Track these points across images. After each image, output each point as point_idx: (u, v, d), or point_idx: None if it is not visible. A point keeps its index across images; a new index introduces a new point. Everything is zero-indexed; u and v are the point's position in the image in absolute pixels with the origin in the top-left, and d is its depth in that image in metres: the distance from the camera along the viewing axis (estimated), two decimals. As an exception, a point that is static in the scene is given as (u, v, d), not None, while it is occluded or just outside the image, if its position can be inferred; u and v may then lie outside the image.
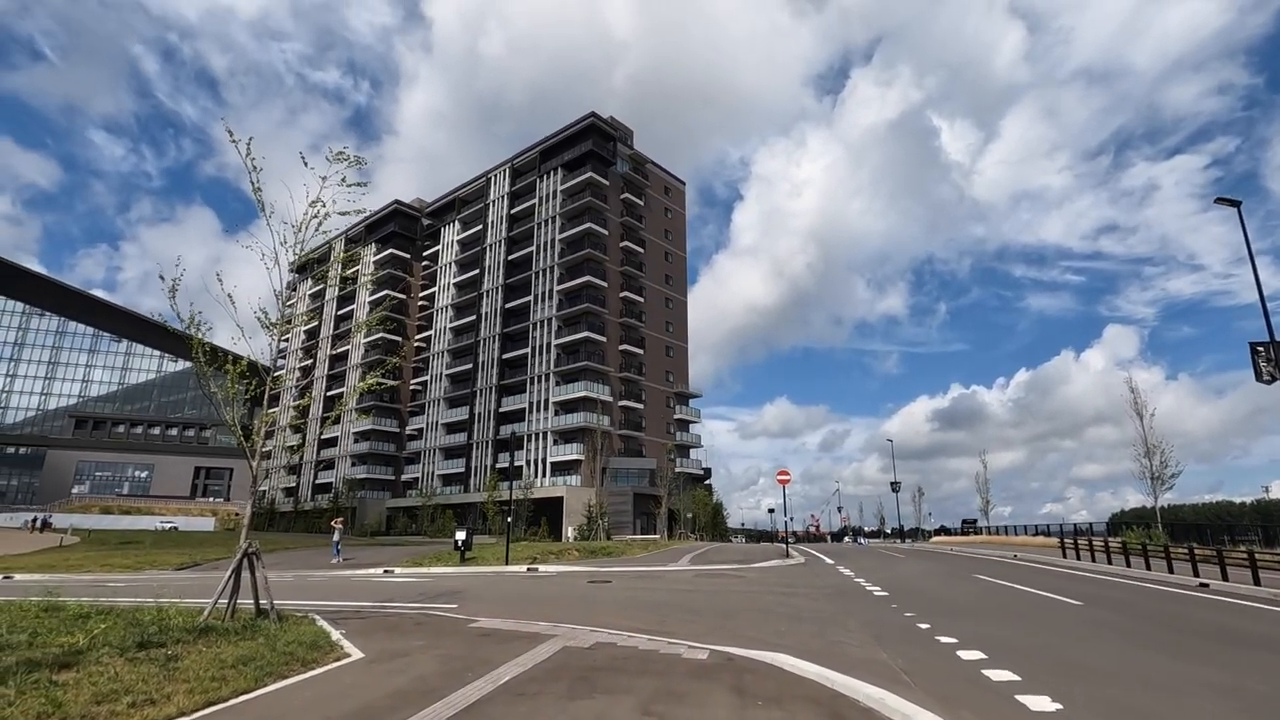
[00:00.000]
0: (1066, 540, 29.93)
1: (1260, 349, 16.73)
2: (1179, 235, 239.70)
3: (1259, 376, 16.73)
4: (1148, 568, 19.81)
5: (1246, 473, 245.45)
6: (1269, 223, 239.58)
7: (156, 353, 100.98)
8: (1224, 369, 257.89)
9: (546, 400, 64.84)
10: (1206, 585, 15.77)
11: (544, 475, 62.73)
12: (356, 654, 7.45)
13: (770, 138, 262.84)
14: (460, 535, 25.53)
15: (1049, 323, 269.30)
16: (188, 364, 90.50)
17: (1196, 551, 18.40)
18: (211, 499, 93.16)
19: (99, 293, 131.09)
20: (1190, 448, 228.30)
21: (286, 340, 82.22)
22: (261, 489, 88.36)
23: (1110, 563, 22.90)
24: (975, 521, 66.94)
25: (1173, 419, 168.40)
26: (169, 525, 69.56)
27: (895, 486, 69.99)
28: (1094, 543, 26.63)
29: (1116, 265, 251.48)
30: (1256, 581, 14.79)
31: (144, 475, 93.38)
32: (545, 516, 55.65)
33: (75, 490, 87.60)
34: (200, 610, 9.05)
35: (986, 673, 6.71)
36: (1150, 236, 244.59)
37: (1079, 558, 25.93)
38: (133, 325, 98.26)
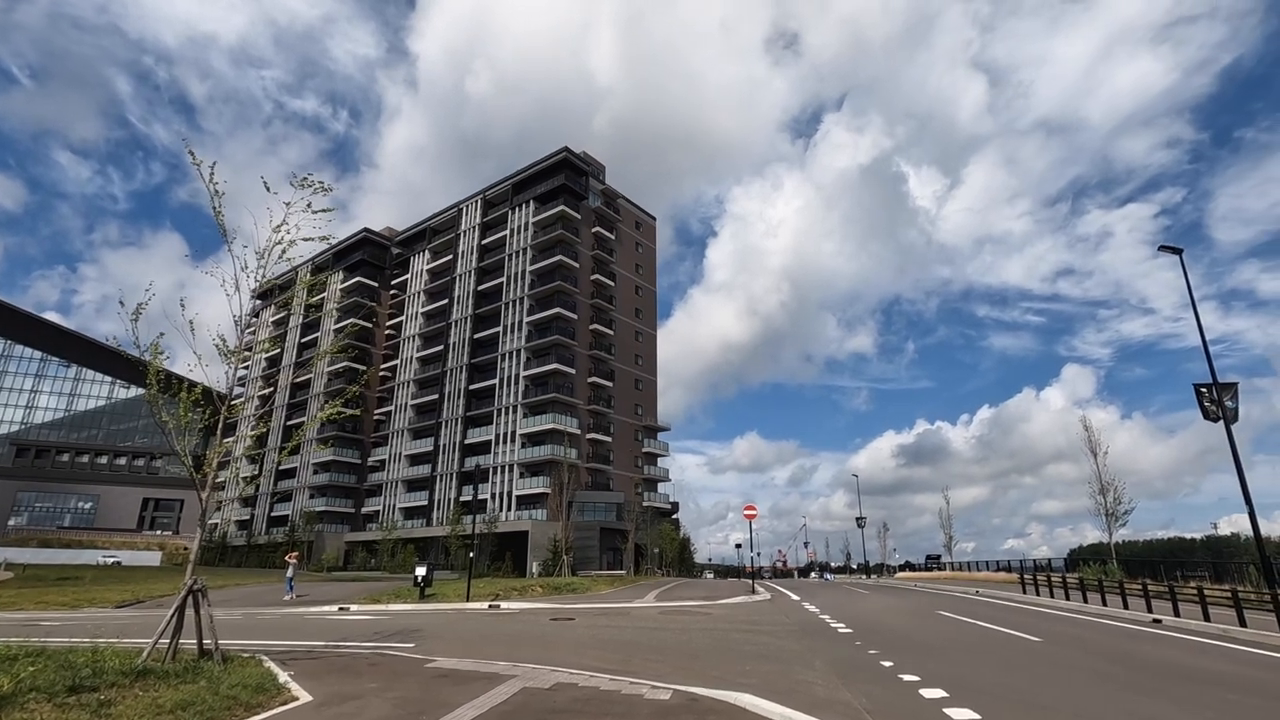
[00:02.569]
0: (1026, 576, 30.45)
1: (1204, 390, 17.48)
2: (1131, 280, 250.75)
3: (1206, 415, 17.43)
4: (1104, 603, 20.16)
5: (1197, 509, 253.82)
6: (1214, 269, 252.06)
7: (108, 379, 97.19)
8: (1175, 409, 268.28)
9: (513, 432, 64.07)
10: (1159, 621, 16.10)
11: (509, 509, 61.62)
12: (305, 697, 7.16)
13: (745, 178, 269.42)
14: (420, 571, 24.86)
15: (1011, 361, 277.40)
16: (140, 390, 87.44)
17: (1150, 588, 18.86)
18: (160, 531, 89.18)
19: (51, 315, 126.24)
20: (1144, 485, 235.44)
21: (246, 368, 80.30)
22: (213, 521, 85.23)
23: (1068, 598, 23.28)
24: (939, 557, 67.69)
25: (1127, 458, 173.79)
26: (112, 559, 66.31)
27: (860, 522, 70.49)
28: (1052, 579, 27.10)
29: (1074, 307, 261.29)
30: (1206, 617, 15.16)
31: (88, 506, 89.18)
32: (509, 551, 54.48)
33: (12, 522, 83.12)
34: (139, 651, 8.60)
35: (948, 711, 6.71)
36: (1105, 280, 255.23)
37: (1038, 593, 26.31)
38: (84, 350, 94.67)
